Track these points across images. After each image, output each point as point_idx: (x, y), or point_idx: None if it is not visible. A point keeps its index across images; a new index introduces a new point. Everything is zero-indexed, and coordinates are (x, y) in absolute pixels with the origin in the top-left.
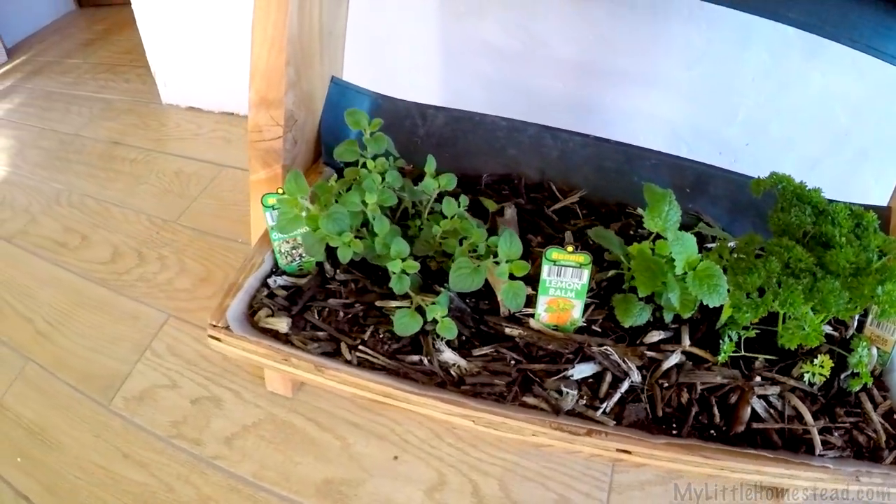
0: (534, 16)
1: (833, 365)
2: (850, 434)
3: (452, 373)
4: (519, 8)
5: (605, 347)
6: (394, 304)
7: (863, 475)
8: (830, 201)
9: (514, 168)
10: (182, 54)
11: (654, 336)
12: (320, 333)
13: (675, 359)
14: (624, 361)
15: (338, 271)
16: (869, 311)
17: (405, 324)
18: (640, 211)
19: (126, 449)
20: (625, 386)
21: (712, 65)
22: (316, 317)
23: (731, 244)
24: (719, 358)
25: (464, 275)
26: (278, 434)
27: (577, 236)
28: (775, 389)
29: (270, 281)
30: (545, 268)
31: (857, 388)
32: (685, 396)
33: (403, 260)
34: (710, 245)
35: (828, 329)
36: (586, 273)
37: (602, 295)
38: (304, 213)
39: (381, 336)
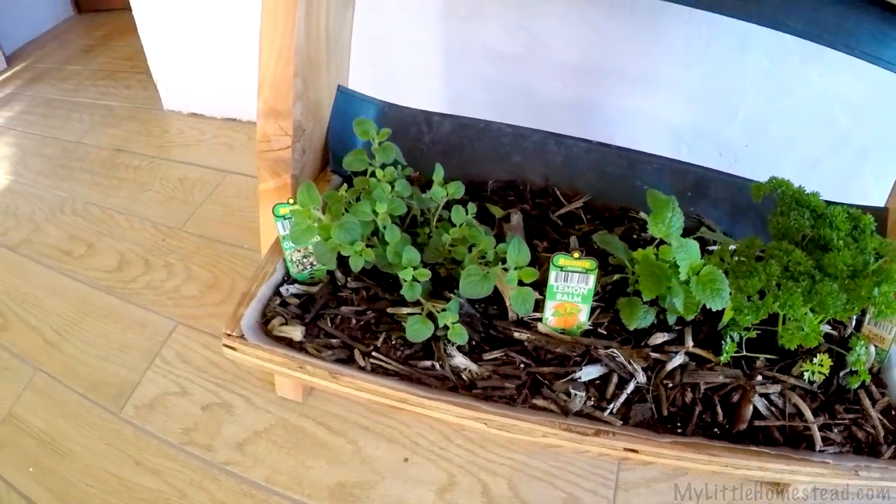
0: (534, 17)
1: (832, 364)
2: (849, 430)
3: (464, 377)
4: (519, 10)
5: (611, 350)
6: (405, 310)
7: (862, 470)
8: (829, 203)
9: (519, 174)
10: (183, 60)
11: (659, 338)
12: (334, 341)
13: (678, 360)
14: (629, 363)
15: (349, 279)
16: (867, 311)
17: (417, 330)
18: (642, 215)
19: (138, 456)
20: (631, 387)
21: (712, 66)
22: (329, 324)
23: (731, 247)
24: (722, 358)
25: (474, 282)
26: (290, 439)
27: (581, 241)
28: (776, 388)
29: (283, 289)
30: (552, 273)
31: (856, 386)
32: (689, 396)
33: (415, 268)
34: (711, 248)
35: (827, 328)
36: (592, 278)
37: (607, 298)
38: (315, 224)
39: (393, 342)
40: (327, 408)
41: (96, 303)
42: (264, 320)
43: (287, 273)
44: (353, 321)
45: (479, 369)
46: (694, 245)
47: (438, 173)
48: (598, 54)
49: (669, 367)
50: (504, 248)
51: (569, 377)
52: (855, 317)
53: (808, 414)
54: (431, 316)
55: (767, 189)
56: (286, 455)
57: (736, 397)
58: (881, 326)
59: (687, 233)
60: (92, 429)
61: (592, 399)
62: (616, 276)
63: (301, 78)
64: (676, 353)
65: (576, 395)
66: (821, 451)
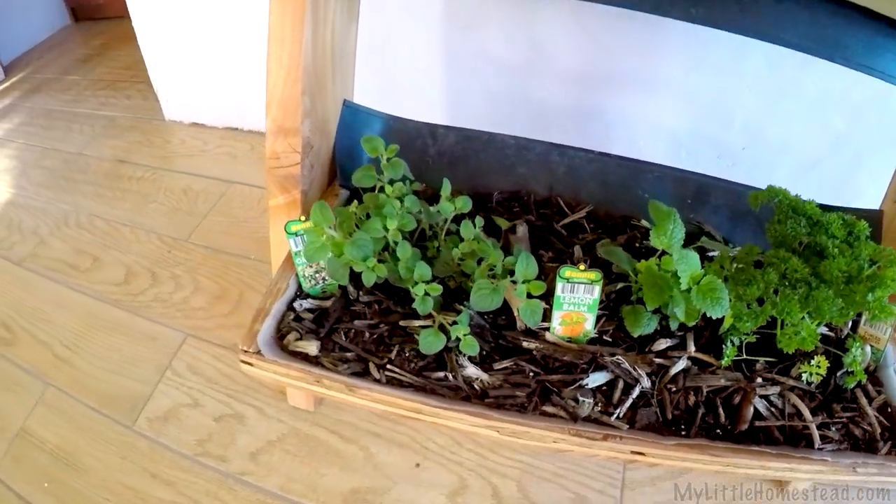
0: (534, 25)
1: (829, 365)
2: (846, 428)
3: (476, 386)
4: (521, 19)
5: (616, 357)
6: (417, 323)
7: (859, 466)
8: (825, 209)
9: (524, 185)
10: (184, 70)
11: (662, 344)
12: (349, 354)
13: (681, 364)
14: (634, 369)
15: (361, 293)
16: (863, 313)
17: (430, 343)
18: (644, 223)
19: (153, 469)
20: (636, 392)
21: (710, 72)
22: (343, 338)
23: (731, 253)
24: (723, 362)
25: (484, 295)
26: (303, 447)
27: (585, 250)
28: (776, 389)
29: (296, 304)
30: (559, 285)
31: (853, 385)
32: (692, 399)
33: (426, 283)
34: (712, 253)
35: (824, 330)
36: (598, 288)
37: (611, 306)
38: (328, 241)
39: (406, 354)
40: (339, 416)
41: (104, 316)
42: (279, 335)
43: (300, 288)
44: (367, 334)
45: (490, 379)
46: (694, 256)
47: (446, 188)
48: (598, 61)
49: (673, 371)
50: (512, 262)
51: (577, 384)
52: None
53: (807, 413)
54: (443, 328)
55: (765, 198)
56: (300, 463)
57: (737, 399)
58: (877, 327)
59: (688, 238)
60: (106, 442)
61: (600, 404)
62: (620, 285)
63: (309, 96)
64: (679, 358)
65: (584, 401)
66: (819, 449)
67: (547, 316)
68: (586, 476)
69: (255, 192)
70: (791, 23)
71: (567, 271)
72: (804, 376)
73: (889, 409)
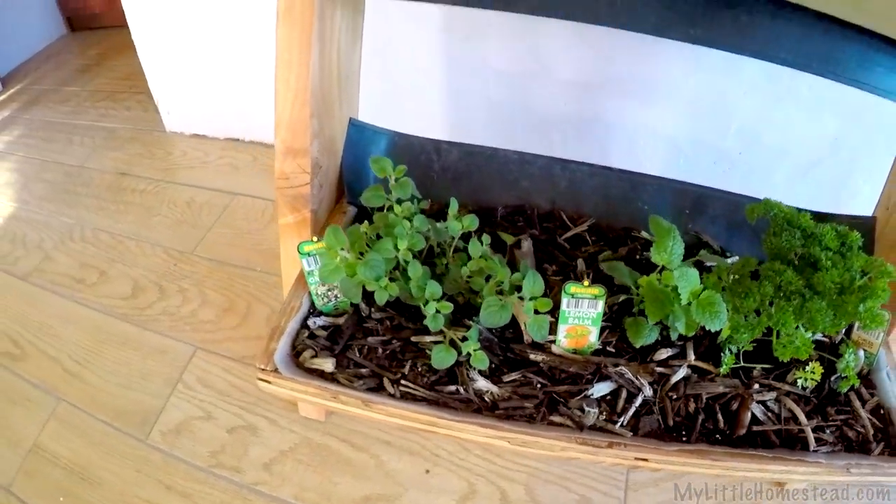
0: (535, 36)
1: (823, 371)
2: (840, 430)
3: (486, 399)
4: (520, 29)
5: (619, 367)
6: (428, 339)
7: (853, 467)
8: (820, 216)
9: (527, 199)
10: (184, 80)
11: (663, 353)
12: (363, 370)
13: (682, 373)
14: (637, 378)
15: (372, 310)
16: None
17: (442, 358)
18: (644, 234)
19: (168, 481)
20: (639, 400)
21: (706, 80)
22: (357, 354)
23: (729, 260)
24: (721, 370)
25: (493, 312)
26: (315, 457)
27: (588, 263)
28: (772, 395)
29: (310, 322)
30: (564, 300)
31: (846, 389)
32: (692, 406)
33: (437, 300)
34: (710, 263)
35: (819, 336)
36: (601, 303)
37: (614, 318)
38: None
39: (419, 369)
40: (349, 425)
41: (113, 331)
42: (295, 353)
43: (312, 305)
44: (380, 350)
45: (499, 391)
46: (694, 273)
47: (453, 207)
48: (597, 69)
49: (674, 380)
50: (518, 278)
51: (582, 394)
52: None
53: (802, 417)
54: (454, 343)
55: (761, 211)
56: (313, 472)
57: (735, 405)
58: (870, 332)
59: (687, 248)
60: (120, 456)
61: (604, 413)
62: (622, 297)
63: (317, 118)
64: (680, 366)
65: (589, 410)
66: (814, 452)
67: (553, 329)
68: (591, 478)
69: (258, 203)
70: (786, 41)
71: (572, 287)
72: (799, 382)
73: (882, 411)
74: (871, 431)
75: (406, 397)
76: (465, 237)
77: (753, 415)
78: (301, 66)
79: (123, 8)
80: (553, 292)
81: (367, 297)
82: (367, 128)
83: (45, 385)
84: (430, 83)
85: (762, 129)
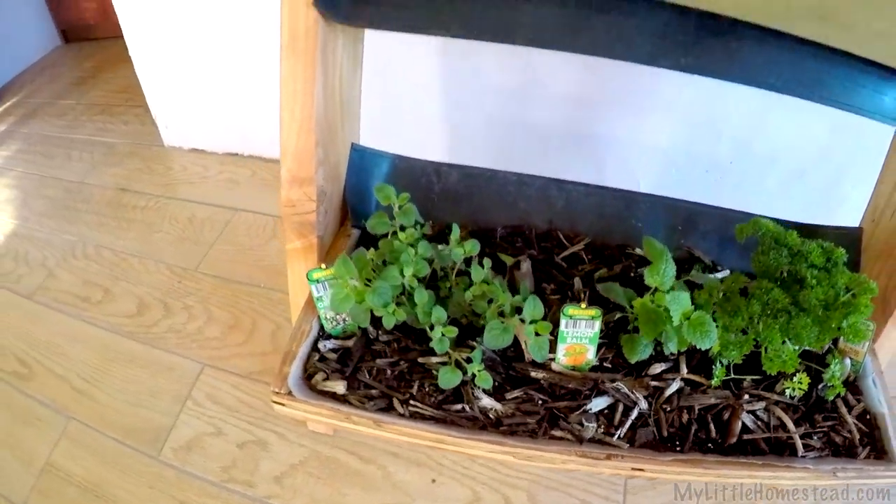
0: (530, 53)
1: (810, 381)
2: (827, 436)
3: (491, 416)
4: (516, 48)
5: (616, 383)
6: (434, 360)
7: (839, 471)
8: (808, 228)
9: (525, 219)
10: (182, 94)
11: (657, 368)
12: (373, 391)
13: (675, 386)
14: (633, 392)
15: (380, 332)
16: None
17: (448, 379)
18: (638, 251)
19: (182, 497)
20: (635, 413)
21: (698, 92)
22: (367, 376)
23: (720, 274)
24: (713, 382)
25: (496, 335)
26: (324, 470)
27: (584, 281)
28: (761, 404)
29: (320, 345)
30: (563, 321)
31: (833, 397)
32: (686, 417)
33: (443, 325)
34: (700, 281)
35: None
36: (598, 323)
37: (610, 334)
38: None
39: (426, 389)
40: (357, 438)
41: (120, 349)
42: (307, 375)
43: (321, 329)
44: (389, 372)
45: (503, 408)
46: (685, 296)
47: (455, 233)
48: (590, 84)
49: (667, 393)
50: (519, 300)
51: (581, 409)
52: None
53: (791, 425)
54: (459, 364)
55: (749, 231)
56: (323, 485)
57: (727, 415)
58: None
59: (679, 262)
60: (133, 473)
61: (602, 426)
62: (618, 315)
63: (322, 147)
64: (673, 380)
65: (588, 425)
66: (802, 457)
67: (552, 347)
68: (591, 483)
69: (259, 219)
70: (776, 67)
71: (570, 309)
72: (787, 391)
73: (868, 417)
74: (858, 436)
75: (415, 416)
76: (467, 259)
77: (744, 424)
78: (306, 97)
79: (118, 19)
80: (552, 311)
81: (375, 320)
82: (368, 152)
83: (55, 404)
84: (429, 100)
85: (753, 139)
